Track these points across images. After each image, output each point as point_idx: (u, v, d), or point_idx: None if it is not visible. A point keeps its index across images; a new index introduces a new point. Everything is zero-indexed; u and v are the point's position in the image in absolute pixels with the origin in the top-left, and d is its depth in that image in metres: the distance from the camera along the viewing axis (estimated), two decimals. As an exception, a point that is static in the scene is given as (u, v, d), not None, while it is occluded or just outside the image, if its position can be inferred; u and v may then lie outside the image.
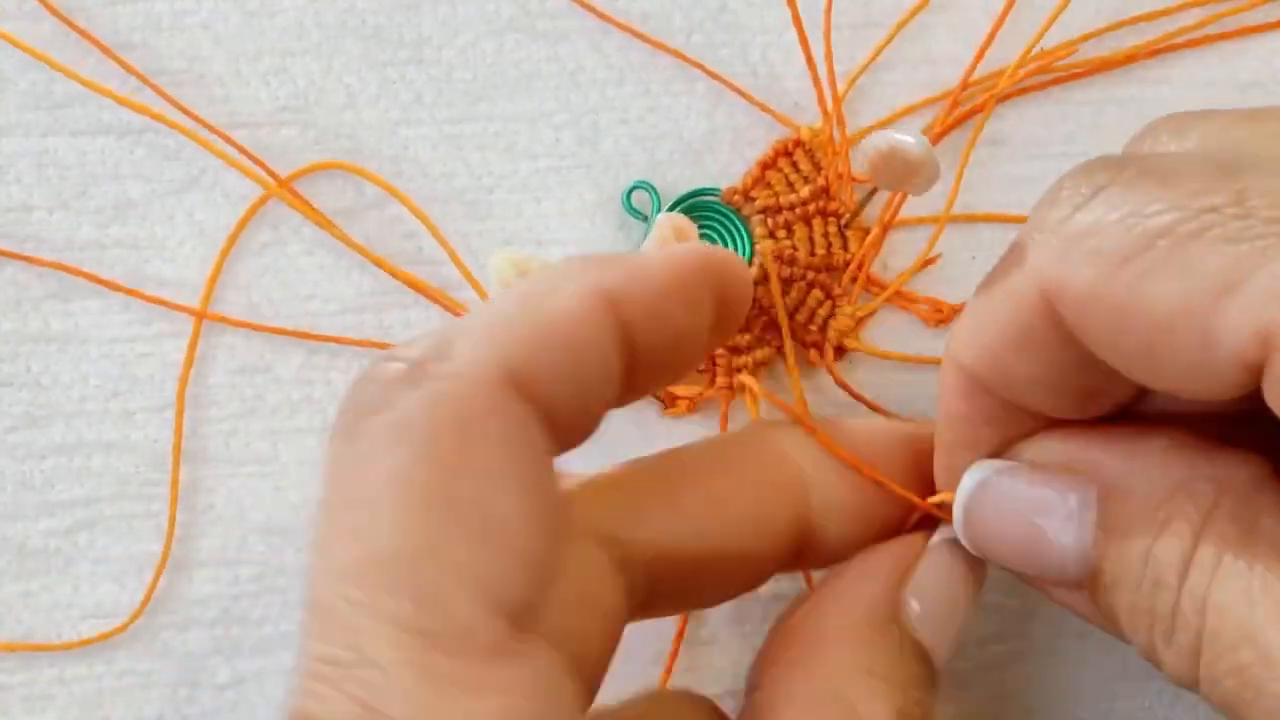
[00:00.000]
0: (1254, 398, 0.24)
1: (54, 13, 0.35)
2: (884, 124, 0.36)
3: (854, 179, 0.36)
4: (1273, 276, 0.23)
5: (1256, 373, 0.24)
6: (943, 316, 0.35)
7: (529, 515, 0.24)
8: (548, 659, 0.24)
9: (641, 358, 0.26)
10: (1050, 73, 0.36)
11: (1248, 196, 0.23)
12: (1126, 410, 0.28)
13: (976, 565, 0.30)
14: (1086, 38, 0.36)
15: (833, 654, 0.28)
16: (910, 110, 0.36)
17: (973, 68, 0.36)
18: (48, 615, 0.35)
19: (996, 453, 0.29)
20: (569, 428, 0.26)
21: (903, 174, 0.32)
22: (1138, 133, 0.28)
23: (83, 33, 0.35)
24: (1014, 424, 0.28)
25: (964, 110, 0.36)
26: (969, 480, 0.29)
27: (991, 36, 0.36)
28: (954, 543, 0.29)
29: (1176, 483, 0.26)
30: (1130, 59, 0.36)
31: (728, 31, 0.36)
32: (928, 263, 0.36)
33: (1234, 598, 0.25)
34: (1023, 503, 0.28)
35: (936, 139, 0.36)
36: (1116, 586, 0.26)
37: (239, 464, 0.35)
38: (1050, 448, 0.28)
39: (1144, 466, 0.27)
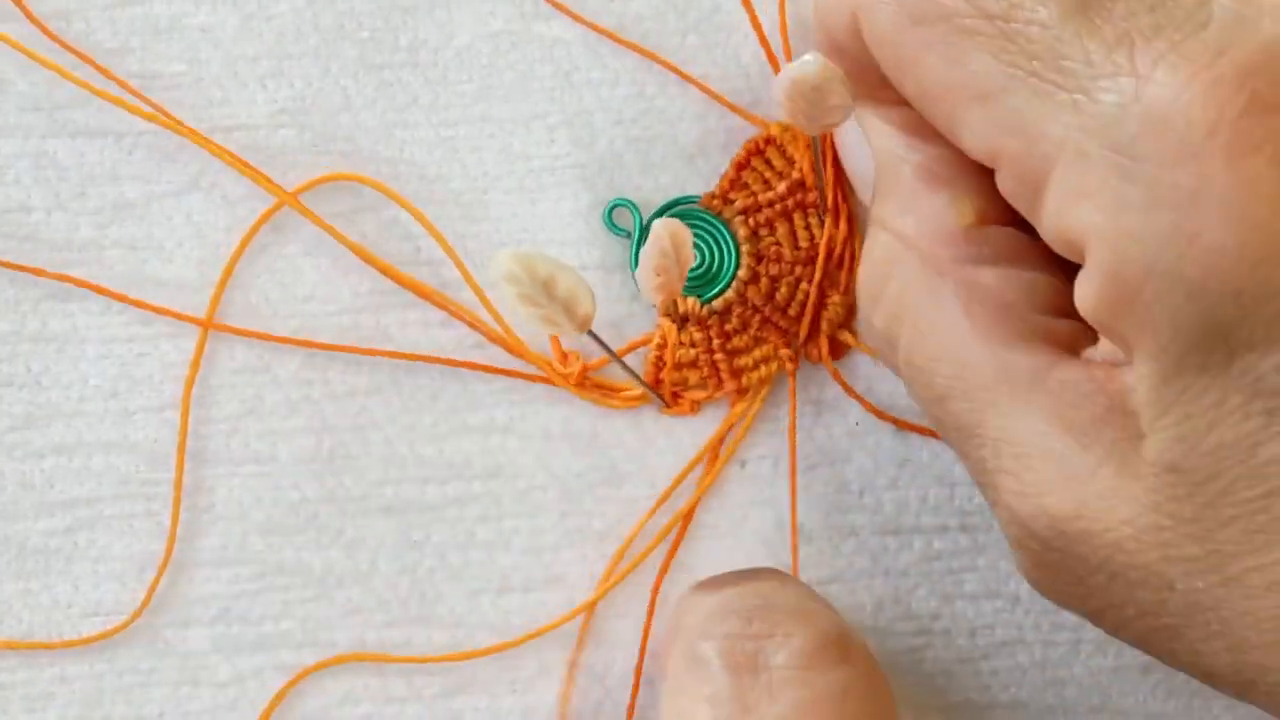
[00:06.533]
0: None
1: (44, 31, 0.35)
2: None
3: (824, 167, 0.35)
4: (1010, 110, 0.26)
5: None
6: None
7: None
8: None
9: None
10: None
11: (1020, 10, 0.26)
12: None
13: None
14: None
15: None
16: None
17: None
18: (48, 614, 0.35)
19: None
20: None
21: (816, 103, 0.30)
22: None
23: (68, 47, 0.35)
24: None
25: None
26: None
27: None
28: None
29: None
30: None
31: (720, 33, 0.36)
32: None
33: None
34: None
35: None
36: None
37: (239, 464, 0.35)
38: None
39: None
